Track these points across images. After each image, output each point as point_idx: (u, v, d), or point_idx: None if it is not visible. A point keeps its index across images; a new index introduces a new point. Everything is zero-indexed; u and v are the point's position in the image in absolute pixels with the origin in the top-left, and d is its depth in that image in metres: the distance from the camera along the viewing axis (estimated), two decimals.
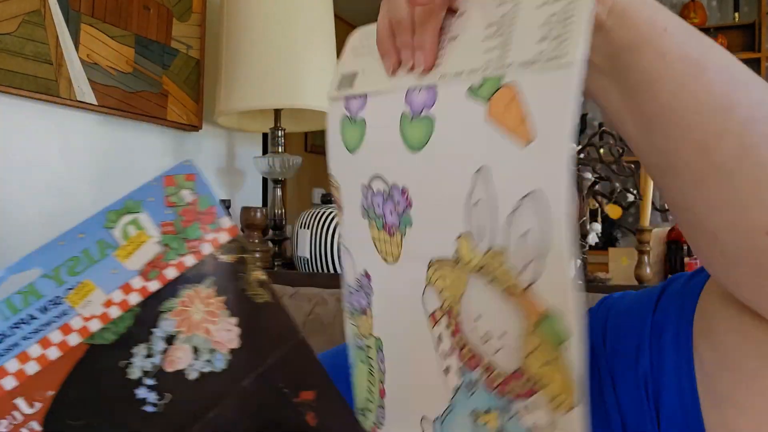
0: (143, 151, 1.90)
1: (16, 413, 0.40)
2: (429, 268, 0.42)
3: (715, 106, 0.40)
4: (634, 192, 1.72)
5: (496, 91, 0.38)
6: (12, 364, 0.41)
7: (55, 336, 0.41)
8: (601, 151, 1.97)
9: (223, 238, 0.45)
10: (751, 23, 3.81)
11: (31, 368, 0.41)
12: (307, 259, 1.86)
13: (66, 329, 0.42)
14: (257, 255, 1.95)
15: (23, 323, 0.40)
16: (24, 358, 0.41)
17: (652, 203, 1.66)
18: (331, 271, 1.84)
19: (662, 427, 0.56)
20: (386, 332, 0.47)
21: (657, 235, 2.07)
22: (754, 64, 3.88)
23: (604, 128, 1.97)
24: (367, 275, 0.48)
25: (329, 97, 0.51)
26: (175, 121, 1.94)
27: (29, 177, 1.57)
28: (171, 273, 0.43)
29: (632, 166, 1.73)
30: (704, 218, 0.44)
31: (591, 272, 2.02)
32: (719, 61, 0.42)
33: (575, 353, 0.34)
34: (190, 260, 0.44)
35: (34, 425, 0.40)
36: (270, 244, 2.03)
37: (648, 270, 1.63)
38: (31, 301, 0.41)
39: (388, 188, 0.45)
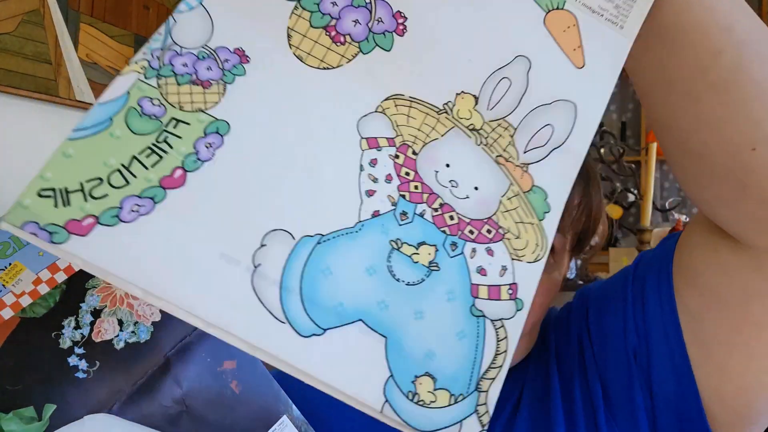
0: None
1: None
2: (387, 99, 0.42)
3: (715, 24, 0.44)
4: (635, 192, 1.76)
5: (556, 9, 0.44)
6: None
7: None
8: (602, 151, 2.01)
9: None
10: None
11: None
12: None
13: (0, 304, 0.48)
14: None
15: None
16: None
17: (653, 203, 1.69)
18: None
19: (654, 391, 0.59)
20: (251, 120, 0.39)
21: (657, 234, 2.11)
22: None
23: (604, 128, 2.02)
24: (240, 53, 0.41)
25: None
26: None
27: (28, 176, 1.63)
28: None
29: (633, 166, 1.77)
30: (693, 135, 0.47)
31: (592, 272, 2.06)
32: None
33: (552, 226, 0.40)
34: None
35: None
36: None
37: None
38: None
39: (365, 2, 0.43)
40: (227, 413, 0.53)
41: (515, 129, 0.42)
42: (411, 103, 0.42)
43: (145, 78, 0.38)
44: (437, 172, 0.41)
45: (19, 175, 1.60)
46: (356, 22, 0.42)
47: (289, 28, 0.41)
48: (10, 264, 0.49)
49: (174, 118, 0.38)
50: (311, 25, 0.42)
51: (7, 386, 0.48)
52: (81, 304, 0.50)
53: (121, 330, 0.51)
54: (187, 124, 0.38)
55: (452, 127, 0.42)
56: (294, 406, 0.57)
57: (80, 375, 0.50)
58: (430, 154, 0.41)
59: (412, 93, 0.42)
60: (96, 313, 0.50)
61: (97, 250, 0.34)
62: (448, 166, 0.41)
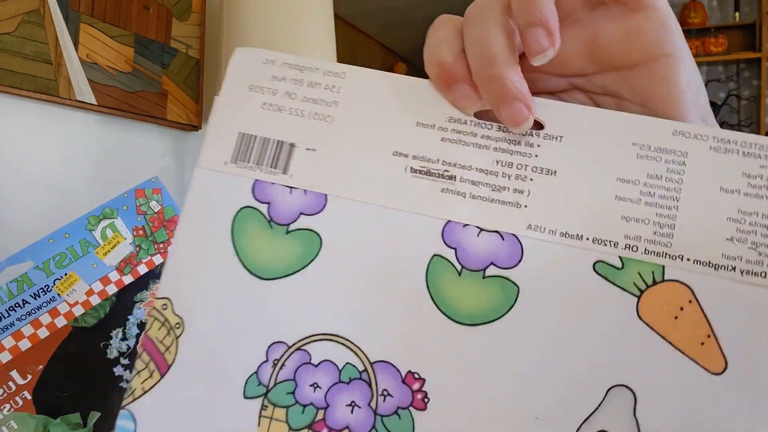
0: (143, 151, 2.00)
1: (10, 383, 0.50)
2: None
3: None
4: None
5: (654, 284, 0.30)
6: (8, 341, 0.51)
7: (45, 318, 0.52)
8: None
9: None
10: (751, 23, 3.90)
11: (24, 345, 0.51)
12: None
13: (54, 313, 0.52)
14: None
15: (18, 307, 0.51)
16: (18, 336, 0.51)
17: None
18: None
19: None
20: None
21: None
22: (755, 64, 3.96)
23: None
24: None
25: (201, 166, 0.34)
26: (174, 121, 2.04)
27: (28, 177, 1.66)
28: (142, 269, 0.55)
29: None
30: None
31: None
32: None
33: None
34: (158, 259, 0.55)
35: (26, 395, 0.50)
36: None
37: None
38: (25, 288, 0.51)
39: (358, 372, 0.31)
40: None
41: None
42: None
43: None
44: None
45: (19, 175, 1.63)
46: (353, 405, 0.31)
47: None
48: (65, 274, 0.52)
49: None
50: (291, 428, 0.31)
51: (56, 392, 0.51)
52: (129, 317, 0.54)
53: None
54: None
55: None
56: None
57: (125, 385, 0.53)
58: None
59: None
60: (142, 326, 0.54)
61: None
62: None
